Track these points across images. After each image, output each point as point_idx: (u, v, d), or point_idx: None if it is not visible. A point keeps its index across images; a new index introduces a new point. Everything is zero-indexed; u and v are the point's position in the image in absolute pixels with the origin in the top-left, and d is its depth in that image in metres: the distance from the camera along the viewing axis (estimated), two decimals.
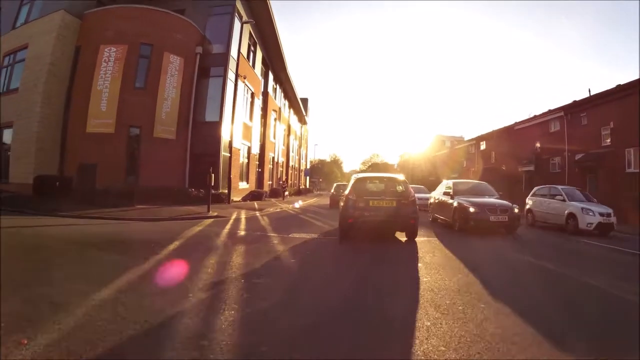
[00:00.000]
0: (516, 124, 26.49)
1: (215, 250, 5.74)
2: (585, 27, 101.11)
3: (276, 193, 25.29)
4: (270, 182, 27.46)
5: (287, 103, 34.88)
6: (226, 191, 15.37)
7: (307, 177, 53.52)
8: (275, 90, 28.51)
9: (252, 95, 21.28)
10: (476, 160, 32.63)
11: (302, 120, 46.55)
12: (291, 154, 37.87)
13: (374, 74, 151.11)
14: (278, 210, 15.23)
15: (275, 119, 28.25)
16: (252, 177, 21.74)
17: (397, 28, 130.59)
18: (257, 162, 24.02)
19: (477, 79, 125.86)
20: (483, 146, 32.12)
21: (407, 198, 7.05)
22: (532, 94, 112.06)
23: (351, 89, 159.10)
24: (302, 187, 43.74)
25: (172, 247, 5.79)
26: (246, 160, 20.38)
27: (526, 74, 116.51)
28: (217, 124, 16.35)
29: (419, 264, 5.15)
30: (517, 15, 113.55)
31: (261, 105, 24.35)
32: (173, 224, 9.09)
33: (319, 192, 54.18)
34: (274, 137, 27.90)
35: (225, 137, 16.33)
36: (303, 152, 51.74)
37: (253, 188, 21.67)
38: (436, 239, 7.70)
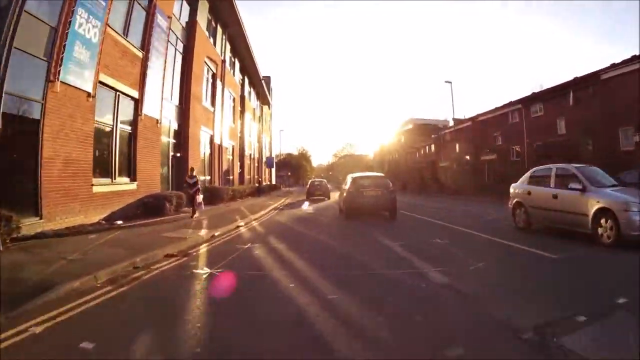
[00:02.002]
0: (601, 71, 16.88)
1: None
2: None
3: (217, 196, 14.88)
4: (209, 178, 16.91)
5: (238, 64, 24.10)
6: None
7: (272, 170, 41.81)
8: (212, 31, 17.74)
9: (152, 3, 10.67)
10: (525, 134, 21.97)
11: (262, 98, 35.63)
12: (247, 138, 26.93)
13: (343, 59, 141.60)
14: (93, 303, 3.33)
15: (214, 76, 17.58)
16: (151, 167, 11.02)
17: (367, 9, 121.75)
18: (174, 141, 13.41)
19: (456, 60, 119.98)
20: (538, 111, 21.20)
21: (388, 188, 10.30)
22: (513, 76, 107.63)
23: (317, 75, 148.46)
24: (265, 183, 32.52)
25: None
26: (128, 129, 9.62)
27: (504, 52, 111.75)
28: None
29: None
30: None
31: (182, 41, 13.73)
32: None
33: (288, 189, 43.54)
34: (212, 104, 17.24)
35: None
36: (266, 140, 40.63)
37: (157, 188, 11.12)
38: None
